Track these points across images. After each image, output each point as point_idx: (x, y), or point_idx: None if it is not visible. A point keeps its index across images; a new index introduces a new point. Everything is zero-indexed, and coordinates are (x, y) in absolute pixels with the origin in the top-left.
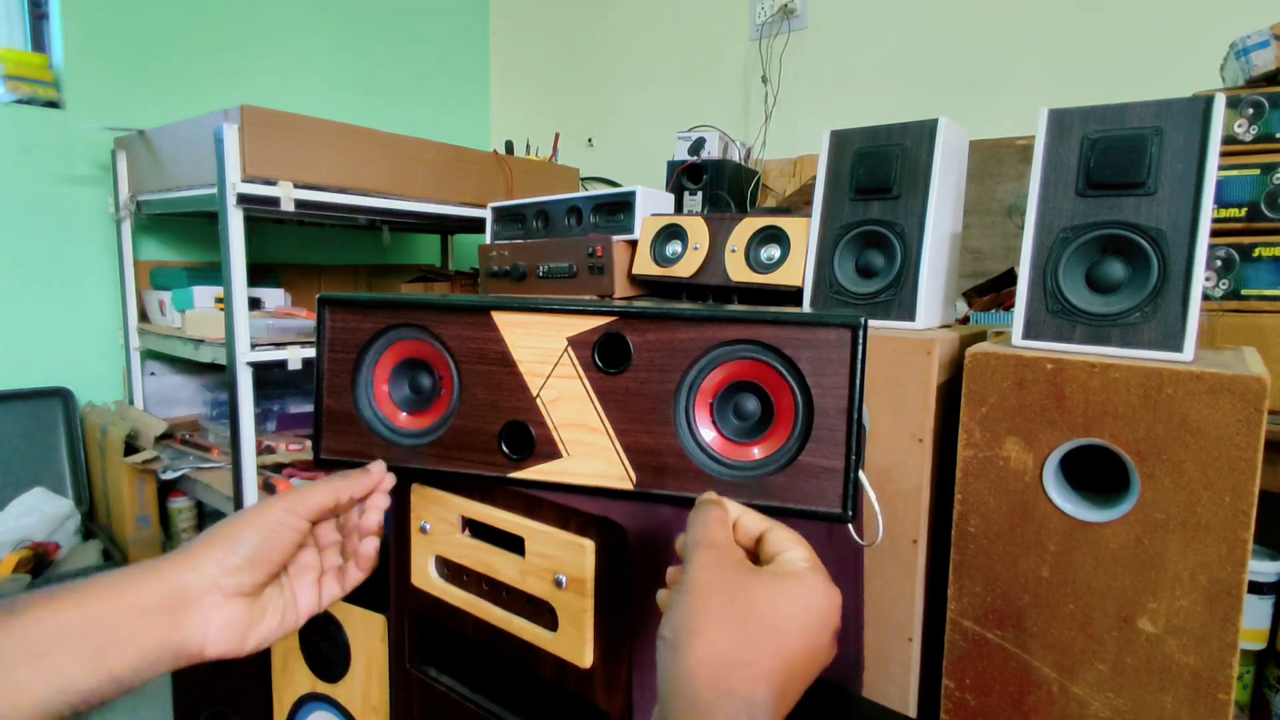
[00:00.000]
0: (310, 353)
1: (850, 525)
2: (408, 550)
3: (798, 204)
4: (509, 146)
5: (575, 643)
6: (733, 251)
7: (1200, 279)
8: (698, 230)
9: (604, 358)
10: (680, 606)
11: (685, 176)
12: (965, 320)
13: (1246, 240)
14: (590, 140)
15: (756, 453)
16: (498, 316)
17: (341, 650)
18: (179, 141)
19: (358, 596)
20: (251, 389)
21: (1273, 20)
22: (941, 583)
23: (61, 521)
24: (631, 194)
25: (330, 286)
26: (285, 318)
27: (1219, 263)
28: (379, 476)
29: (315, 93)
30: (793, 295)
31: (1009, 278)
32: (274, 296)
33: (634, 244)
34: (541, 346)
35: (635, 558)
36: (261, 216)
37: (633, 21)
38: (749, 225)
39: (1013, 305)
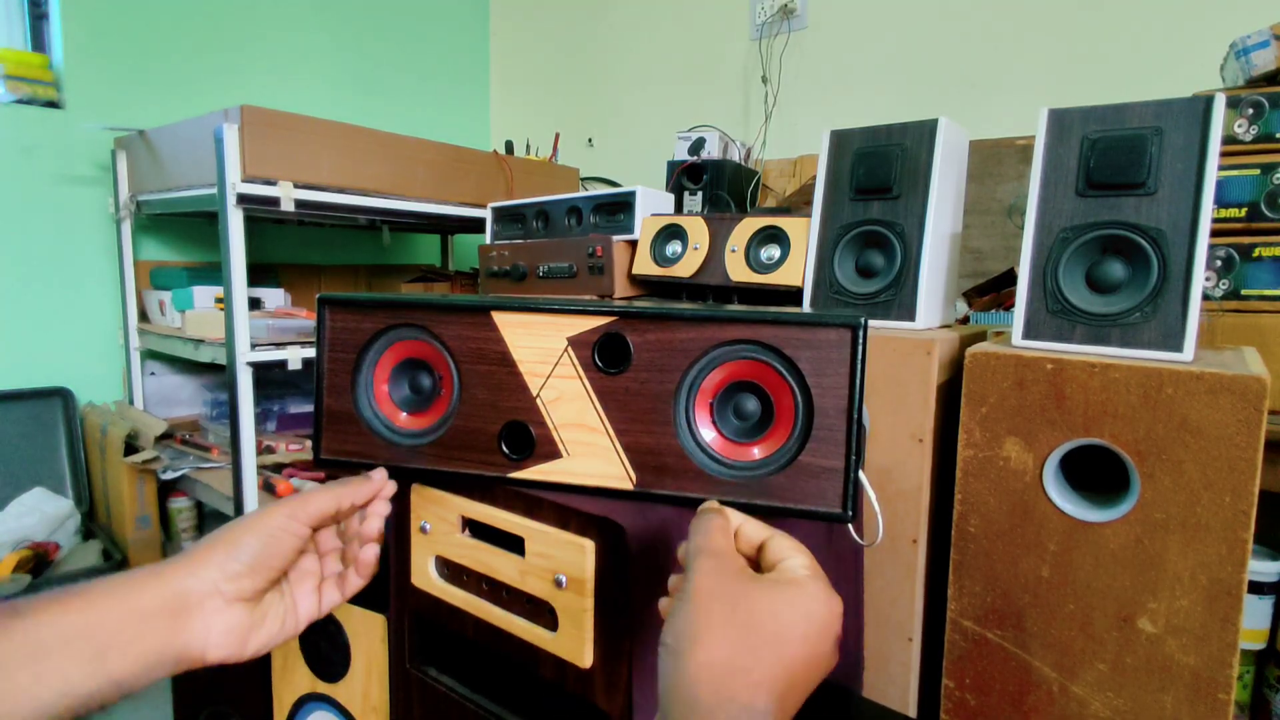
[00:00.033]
0: (310, 353)
1: (850, 525)
2: (408, 550)
3: (798, 204)
4: (509, 146)
5: (575, 643)
6: (733, 251)
7: (1200, 279)
8: (698, 230)
9: (604, 358)
10: (682, 614)
11: (685, 176)
12: (965, 320)
13: (1246, 240)
14: (590, 140)
15: (756, 453)
16: (498, 316)
17: (341, 650)
18: (179, 141)
19: (358, 596)
20: (251, 389)
21: (1273, 20)
22: (941, 583)
23: (61, 521)
24: (631, 194)
25: (330, 286)
26: (285, 318)
27: (1219, 263)
28: (380, 483)
29: (315, 93)
30: (793, 295)
31: (1009, 278)
32: (274, 296)
33: (634, 244)
34: (541, 346)
35: (635, 558)
36: (261, 216)
37: (633, 21)
38: (749, 225)
39: (1013, 305)
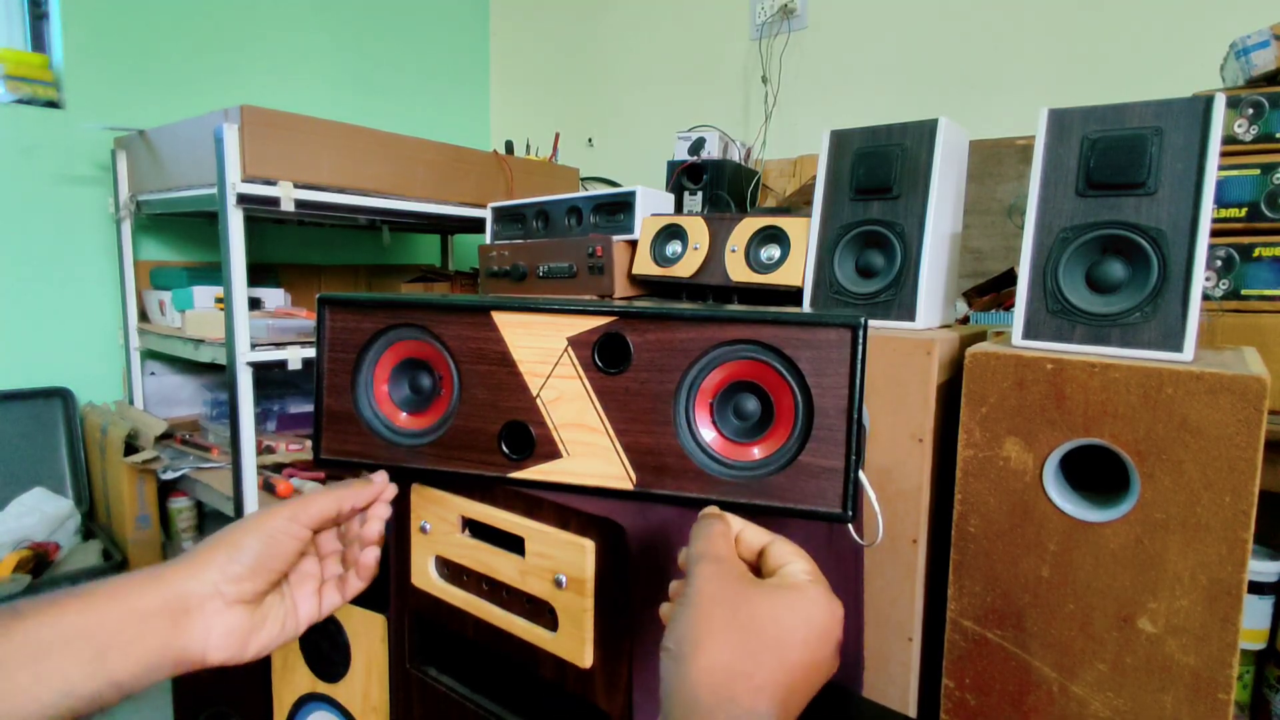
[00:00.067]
0: (310, 353)
1: (850, 525)
2: (408, 550)
3: (798, 204)
4: (509, 146)
5: (575, 643)
6: (733, 251)
7: (1200, 279)
8: (698, 230)
9: (604, 358)
10: (684, 619)
11: (685, 176)
12: (965, 320)
13: (1246, 240)
14: (590, 140)
15: (756, 453)
16: (498, 316)
17: (342, 650)
18: (179, 141)
19: (358, 597)
20: (251, 389)
21: (1273, 20)
22: (941, 583)
23: (61, 521)
24: (631, 194)
25: (330, 286)
26: (285, 318)
27: (1219, 263)
28: (381, 486)
29: (315, 93)
30: (793, 295)
31: (1009, 278)
32: (274, 296)
33: (634, 244)
34: (541, 346)
35: (635, 558)
36: (261, 216)
37: (633, 21)
38: (749, 225)
39: (1013, 305)
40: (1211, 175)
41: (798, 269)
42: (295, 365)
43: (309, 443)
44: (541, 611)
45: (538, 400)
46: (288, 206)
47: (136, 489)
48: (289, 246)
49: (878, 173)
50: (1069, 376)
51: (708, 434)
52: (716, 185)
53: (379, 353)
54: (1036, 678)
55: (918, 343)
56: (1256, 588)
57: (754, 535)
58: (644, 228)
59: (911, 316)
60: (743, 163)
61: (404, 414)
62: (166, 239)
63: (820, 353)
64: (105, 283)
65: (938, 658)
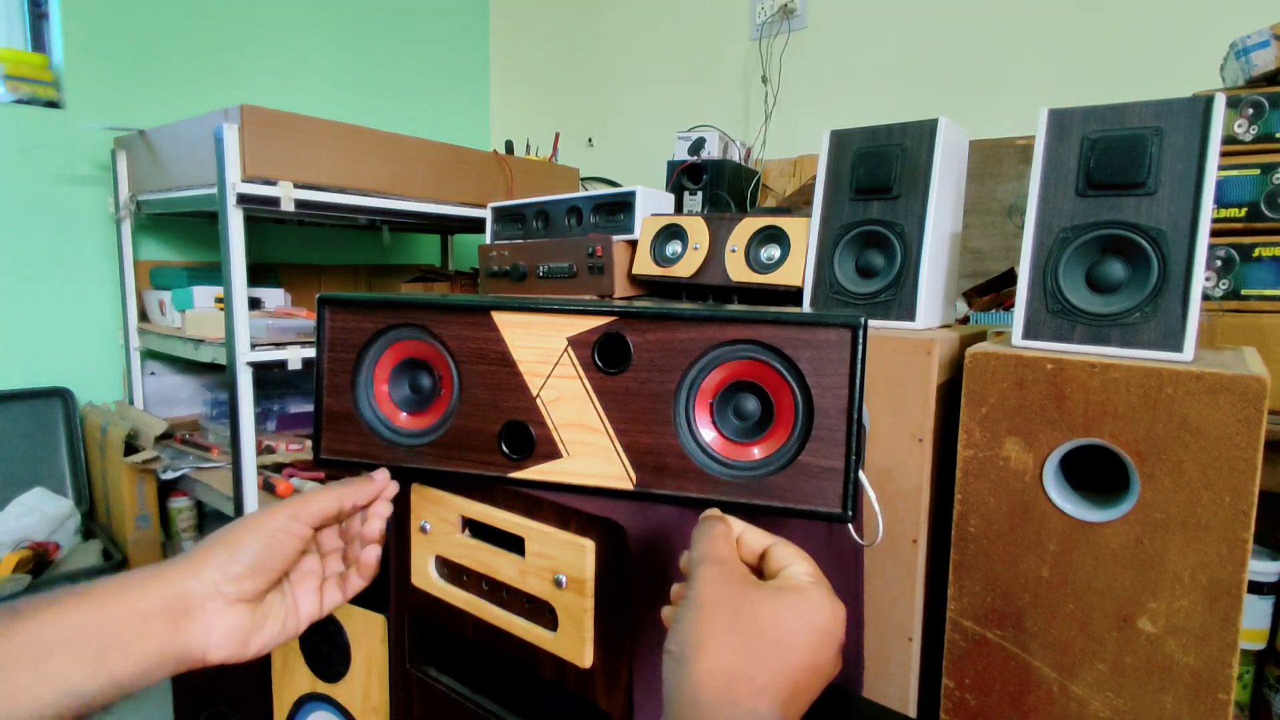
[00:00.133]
0: (310, 353)
1: (850, 525)
2: (408, 550)
3: (798, 204)
4: (509, 146)
5: (575, 643)
6: (733, 251)
7: (1200, 279)
8: (698, 230)
9: (604, 358)
10: (686, 621)
11: (685, 176)
12: (965, 320)
13: (1246, 240)
14: (590, 140)
15: (756, 453)
16: (498, 316)
17: (342, 650)
18: (179, 141)
19: (358, 596)
20: (251, 389)
21: (1273, 20)
22: (941, 583)
23: (61, 521)
24: (631, 194)
25: (330, 286)
26: (285, 318)
27: (1219, 263)
28: (382, 484)
29: (315, 93)
30: (793, 295)
31: (1009, 278)
32: (274, 296)
33: (634, 244)
34: (541, 346)
35: (635, 558)
36: (261, 216)
37: (633, 21)
38: (749, 225)
39: (1013, 305)
40: (1211, 175)
41: (798, 269)
42: (295, 365)
43: (309, 443)
44: (541, 611)
45: (538, 400)
46: (288, 206)
47: (136, 489)
48: (289, 246)
49: (878, 173)
50: (1069, 376)
51: (708, 434)
52: (716, 185)
53: (379, 353)
54: (1036, 678)
55: (918, 343)
56: (1256, 588)
57: (755, 537)
58: (644, 228)
59: (911, 316)
60: (743, 163)
61: (404, 414)
62: (166, 239)
63: (820, 353)
64: (105, 283)
65: (938, 658)
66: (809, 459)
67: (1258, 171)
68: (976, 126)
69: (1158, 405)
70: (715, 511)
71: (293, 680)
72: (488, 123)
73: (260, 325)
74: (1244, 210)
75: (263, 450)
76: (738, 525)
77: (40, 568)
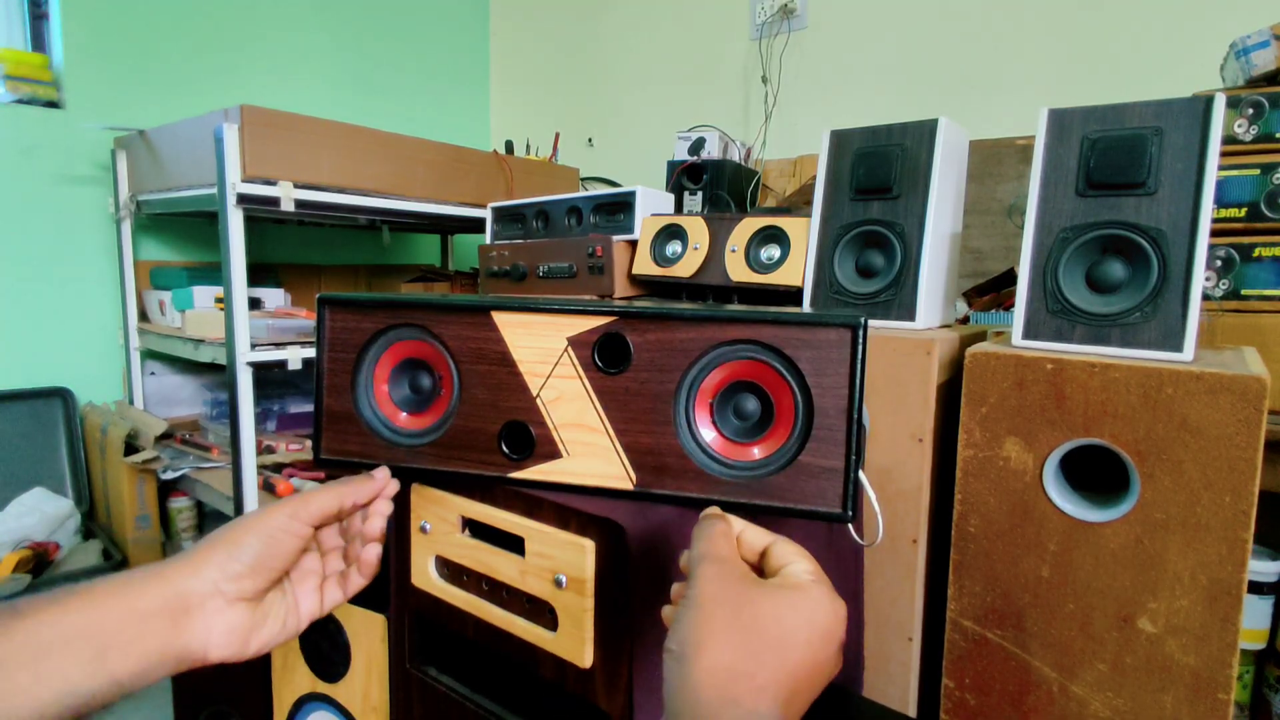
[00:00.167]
0: (310, 353)
1: (850, 525)
2: (408, 550)
3: (798, 204)
4: (509, 146)
5: (575, 643)
6: (733, 251)
7: (1200, 279)
8: (698, 230)
9: (604, 358)
10: (686, 620)
11: (685, 176)
12: (965, 320)
13: (1246, 240)
14: (590, 140)
15: (756, 453)
16: (498, 316)
17: (342, 650)
18: (179, 141)
19: (358, 596)
20: (251, 389)
21: (1273, 20)
22: (941, 583)
23: (61, 521)
24: (631, 194)
25: (330, 286)
26: (285, 318)
27: (1219, 263)
28: (383, 482)
29: (315, 93)
30: (793, 295)
31: (1009, 278)
32: (274, 296)
33: (634, 244)
34: (541, 346)
35: (635, 558)
36: (261, 216)
37: (633, 21)
38: (749, 225)
39: (1013, 305)
40: (1211, 175)
41: (798, 269)
42: (295, 365)
43: (309, 443)
44: (541, 611)
45: (538, 400)
46: (288, 206)
47: (136, 489)
48: (289, 246)
49: (878, 173)
50: (1069, 376)
51: (708, 434)
52: (716, 185)
53: (379, 353)
54: (1036, 678)
55: (918, 343)
56: (1256, 588)
57: (756, 536)
58: (644, 228)
59: (911, 316)
60: (743, 163)
61: (404, 414)
62: (166, 239)
63: (820, 353)
64: (105, 283)
65: (938, 658)
66: (809, 459)
67: (1258, 171)
68: (976, 126)
69: (1158, 405)
70: (715, 510)
71: (293, 680)
72: (488, 123)
73: (260, 325)
74: (1244, 210)
75: (263, 450)
76: (738, 523)
77: (40, 568)
